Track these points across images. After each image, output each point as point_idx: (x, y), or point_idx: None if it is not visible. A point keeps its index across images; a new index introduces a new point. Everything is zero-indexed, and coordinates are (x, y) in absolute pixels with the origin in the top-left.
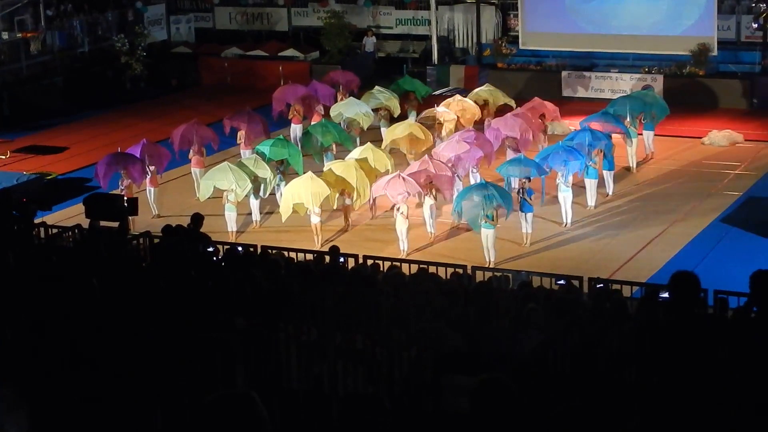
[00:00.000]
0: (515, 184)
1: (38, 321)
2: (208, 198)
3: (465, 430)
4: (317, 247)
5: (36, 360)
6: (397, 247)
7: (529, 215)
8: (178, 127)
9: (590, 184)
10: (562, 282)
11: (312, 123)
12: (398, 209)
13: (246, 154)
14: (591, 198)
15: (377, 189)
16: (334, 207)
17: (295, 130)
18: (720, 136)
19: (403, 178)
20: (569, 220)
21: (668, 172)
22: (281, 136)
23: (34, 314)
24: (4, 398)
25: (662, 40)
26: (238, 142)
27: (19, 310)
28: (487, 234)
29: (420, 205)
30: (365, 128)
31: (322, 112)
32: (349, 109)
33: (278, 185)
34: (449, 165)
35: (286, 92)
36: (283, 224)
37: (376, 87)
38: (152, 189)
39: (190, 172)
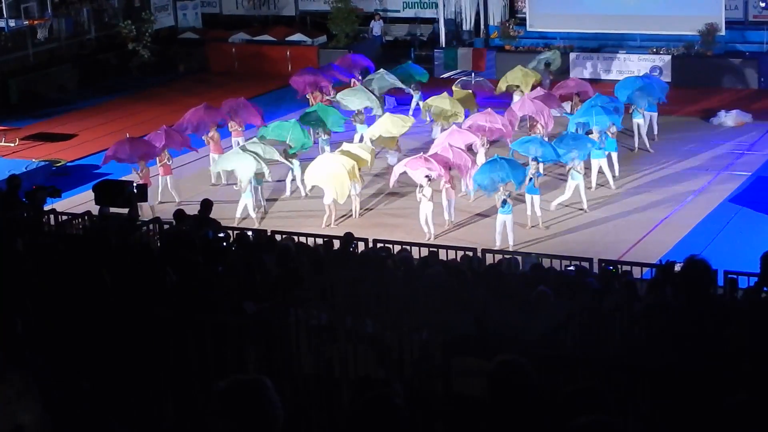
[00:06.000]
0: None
1: (47, 308)
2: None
3: (476, 412)
4: (324, 225)
5: (46, 347)
6: (405, 230)
7: (536, 198)
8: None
9: (598, 164)
10: (572, 268)
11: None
12: (421, 191)
13: (239, 142)
14: (611, 178)
15: (399, 167)
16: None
17: None
18: (728, 116)
19: (425, 159)
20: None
21: (676, 153)
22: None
23: (44, 302)
24: (15, 384)
25: (670, 20)
26: (230, 130)
27: (28, 298)
28: (504, 219)
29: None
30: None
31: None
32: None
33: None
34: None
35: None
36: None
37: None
38: (167, 177)
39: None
